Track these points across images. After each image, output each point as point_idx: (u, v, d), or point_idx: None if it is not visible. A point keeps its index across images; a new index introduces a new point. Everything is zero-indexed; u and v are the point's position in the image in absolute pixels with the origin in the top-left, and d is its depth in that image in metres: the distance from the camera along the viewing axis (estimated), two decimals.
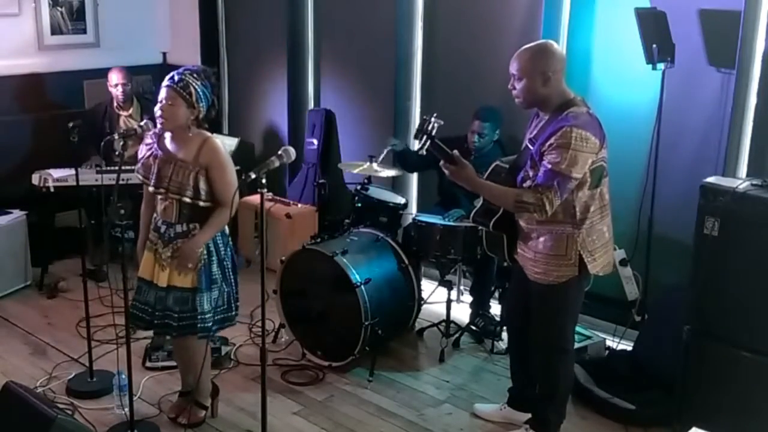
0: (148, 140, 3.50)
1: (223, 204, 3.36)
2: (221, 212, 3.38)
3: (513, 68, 3.18)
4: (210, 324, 3.47)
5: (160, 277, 3.45)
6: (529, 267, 3.31)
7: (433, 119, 3.17)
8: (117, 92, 5.37)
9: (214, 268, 3.45)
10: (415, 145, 3.59)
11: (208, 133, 3.44)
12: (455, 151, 3.24)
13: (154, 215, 3.49)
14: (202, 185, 3.34)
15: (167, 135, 3.43)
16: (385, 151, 4.67)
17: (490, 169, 3.41)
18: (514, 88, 3.19)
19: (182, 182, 3.34)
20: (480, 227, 3.66)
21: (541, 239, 3.24)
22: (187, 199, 3.34)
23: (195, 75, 3.34)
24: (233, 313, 3.58)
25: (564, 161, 3.01)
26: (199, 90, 3.32)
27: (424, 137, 3.17)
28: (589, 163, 3.08)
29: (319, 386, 4.12)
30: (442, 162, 3.24)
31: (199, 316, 3.43)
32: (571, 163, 3.02)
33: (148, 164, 3.44)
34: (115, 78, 5.36)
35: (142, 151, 3.51)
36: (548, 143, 3.06)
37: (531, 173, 3.16)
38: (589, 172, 3.10)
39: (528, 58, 3.15)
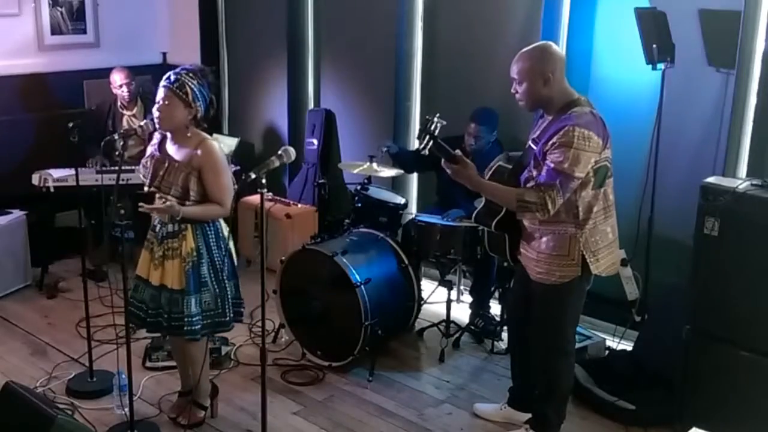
0: (154, 140, 3.51)
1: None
2: (215, 206, 3.35)
3: (513, 72, 3.19)
4: (198, 327, 3.43)
5: (153, 276, 3.45)
6: (532, 267, 3.31)
7: (435, 119, 3.17)
8: (122, 92, 5.35)
9: (204, 270, 3.42)
10: (418, 145, 3.59)
11: (206, 135, 3.43)
12: (457, 151, 3.25)
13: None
14: (193, 186, 3.33)
15: (168, 135, 3.43)
16: (380, 155, 4.66)
17: (492, 169, 3.42)
18: (517, 92, 3.20)
19: (172, 182, 3.34)
20: (481, 227, 3.66)
21: (544, 239, 3.24)
22: (174, 200, 3.33)
23: (191, 74, 3.32)
24: (227, 318, 3.51)
25: (566, 160, 3.02)
26: (195, 89, 3.31)
27: (427, 137, 3.17)
28: (592, 163, 3.08)
29: (319, 386, 4.11)
30: (444, 161, 3.24)
31: (185, 318, 3.40)
32: (573, 162, 3.02)
33: (146, 164, 3.45)
34: (118, 78, 5.34)
35: (149, 150, 3.52)
36: (550, 142, 3.07)
37: (534, 173, 3.16)
38: (593, 171, 3.10)
39: (526, 60, 3.16)
